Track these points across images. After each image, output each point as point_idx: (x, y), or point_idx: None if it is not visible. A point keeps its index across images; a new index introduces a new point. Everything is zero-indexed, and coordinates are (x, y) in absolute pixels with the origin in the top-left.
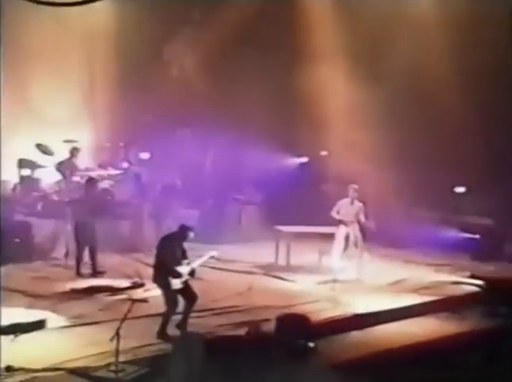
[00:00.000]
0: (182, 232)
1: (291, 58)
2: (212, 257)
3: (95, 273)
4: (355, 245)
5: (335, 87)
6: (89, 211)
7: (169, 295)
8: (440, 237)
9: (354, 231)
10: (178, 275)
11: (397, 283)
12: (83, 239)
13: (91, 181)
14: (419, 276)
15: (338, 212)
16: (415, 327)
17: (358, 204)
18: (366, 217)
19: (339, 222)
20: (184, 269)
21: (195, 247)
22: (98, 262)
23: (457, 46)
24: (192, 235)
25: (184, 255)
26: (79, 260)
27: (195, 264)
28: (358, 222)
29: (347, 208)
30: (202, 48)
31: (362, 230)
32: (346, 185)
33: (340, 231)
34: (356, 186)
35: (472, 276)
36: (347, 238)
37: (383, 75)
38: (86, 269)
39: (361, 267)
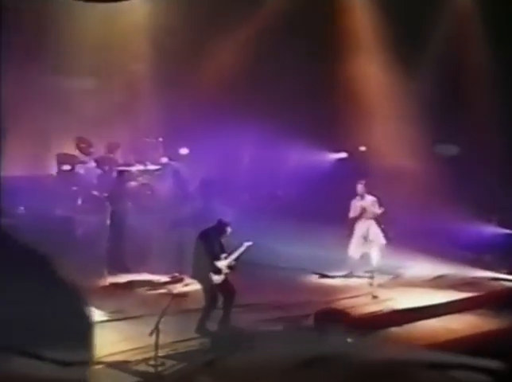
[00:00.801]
0: (220, 228)
1: (329, 49)
2: (248, 248)
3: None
4: (375, 240)
5: (373, 79)
6: (126, 206)
7: (209, 290)
8: (479, 233)
9: (370, 226)
10: (217, 270)
11: (436, 279)
12: (119, 233)
13: (121, 175)
14: (457, 272)
15: (354, 210)
16: (454, 323)
17: (369, 199)
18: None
19: (355, 219)
20: (222, 263)
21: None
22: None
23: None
24: (229, 230)
25: (222, 250)
26: (114, 254)
27: (233, 257)
28: (373, 215)
29: (359, 203)
30: (239, 41)
31: (384, 226)
32: (386, 180)
33: (357, 228)
34: (363, 181)
35: (511, 272)
36: (364, 234)
37: (423, 65)
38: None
39: (380, 260)
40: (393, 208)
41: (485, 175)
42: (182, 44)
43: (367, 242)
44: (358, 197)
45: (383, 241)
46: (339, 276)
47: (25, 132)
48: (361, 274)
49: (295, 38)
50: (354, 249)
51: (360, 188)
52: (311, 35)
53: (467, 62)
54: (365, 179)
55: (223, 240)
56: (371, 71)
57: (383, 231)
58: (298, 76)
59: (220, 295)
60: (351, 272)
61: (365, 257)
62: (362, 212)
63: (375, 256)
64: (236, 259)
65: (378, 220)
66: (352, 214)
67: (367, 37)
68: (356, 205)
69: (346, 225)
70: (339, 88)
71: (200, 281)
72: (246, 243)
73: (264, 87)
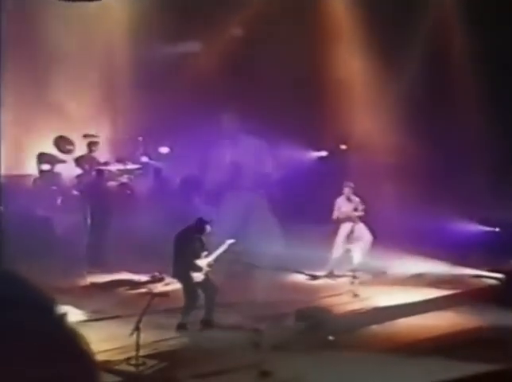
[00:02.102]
0: (199, 226)
1: (310, 45)
2: (230, 246)
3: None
4: (360, 240)
5: (355, 76)
6: (106, 205)
7: (189, 288)
8: (461, 231)
9: (356, 226)
10: (198, 268)
11: (417, 277)
12: (99, 233)
13: (101, 174)
14: (439, 270)
15: (338, 210)
16: (435, 321)
17: (355, 200)
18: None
19: (340, 220)
20: (203, 262)
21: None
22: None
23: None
24: (208, 228)
25: (203, 248)
26: (94, 254)
27: (214, 255)
28: (357, 217)
29: (345, 205)
30: (220, 38)
31: (368, 225)
32: (368, 180)
33: (342, 229)
34: (351, 184)
35: (492, 270)
36: (349, 234)
37: (406, 61)
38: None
39: (360, 260)
40: (375, 206)
41: (468, 173)
42: (163, 41)
43: (351, 242)
44: (343, 198)
45: (370, 237)
46: (321, 276)
47: (5, 131)
48: (343, 273)
49: (275, 34)
50: (338, 249)
51: (347, 190)
52: (293, 29)
53: (454, 54)
54: (352, 182)
55: (204, 239)
56: (354, 67)
57: (369, 229)
58: (280, 75)
59: (202, 294)
60: (332, 271)
61: (348, 256)
62: (347, 213)
63: (358, 255)
64: (218, 257)
65: (363, 219)
66: (336, 214)
67: (351, 31)
68: (341, 206)
69: (327, 224)
70: (321, 86)
71: (181, 280)
72: (228, 241)
73: (245, 85)
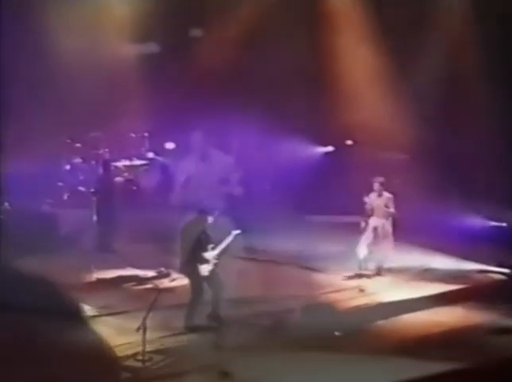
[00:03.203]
0: (202, 217)
1: (317, 38)
2: (237, 236)
3: None
4: (385, 237)
5: (362, 69)
6: (112, 201)
7: (195, 283)
8: (468, 225)
9: (383, 223)
10: (205, 261)
11: (424, 272)
12: (105, 229)
13: (107, 170)
14: (446, 265)
15: (369, 205)
16: (442, 316)
17: (386, 196)
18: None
19: (369, 214)
20: (210, 254)
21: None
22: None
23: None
24: (211, 218)
25: (208, 240)
26: (100, 250)
27: (221, 247)
28: (387, 214)
29: (375, 201)
30: (225, 33)
31: (394, 222)
32: (372, 175)
33: (370, 224)
34: (381, 179)
35: (499, 265)
36: (375, 230)
37: (418, 52)
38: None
39: (387, 258)
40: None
41: (474, 168)
42: (168, 36)
43: (378, 239)
44: (375, 194)
45: (392, 243)
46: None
47: (12, 128)
48: (367, 269)
49: (280, 27)
50: (365, 246)
51: (377, 186)
52: (298, 22)
53: (464, 51)
54: (382, 176)
55: (209, 231)
56: (362, 62)
57: (393, 232)
58: (286, 69)
59: (208, 288)
60: (360, 267)
61: (373, 253)
62: (377, 210)
63: (384, 252)
64: (225, 249)
65: (391, 219)
66: (368, 210)
67: (358, 23)
68: (373, 202)
69: (333, 219)
70: (327, 81)
71: (187, 274)
72: (234, 232)
73: (251, 80)
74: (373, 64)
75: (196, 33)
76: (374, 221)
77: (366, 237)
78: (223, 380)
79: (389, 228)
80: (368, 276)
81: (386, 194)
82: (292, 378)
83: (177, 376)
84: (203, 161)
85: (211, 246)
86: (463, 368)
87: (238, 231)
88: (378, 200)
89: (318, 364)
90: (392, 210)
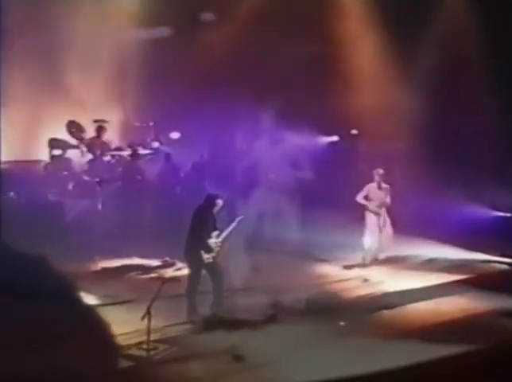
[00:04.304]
0: (210, 202)
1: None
2: (240, 221)
3: None
4: (384, 227)
5: (365, 58)
6: (117, 190)
7: (194, 269)
8: (471, 216)
9: (384, 214)
10: (209, 248)
11: (428, 262)
12: (110, 218)
13: (112, 159)
14: (449, 255)
15: (367, 197)
16: (444, 306)
17: (385, 187)
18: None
19: (370, 207)
20: (213, 241)
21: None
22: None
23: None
24: (220, 202)
25: (214, 227)
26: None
27: (225, 233)
28: (387, 205)
29: (375, 192)
30: (231, 23)
31: (390, 212)
32: (376, 165)
33: (372, 216)
34: (381, 170)
35: (503, 255)
36: (378, 221)
37: (421, 44)
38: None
39: (387, 248)
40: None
41: (478, 158)
42: (173, 26)
43: (380, 229)
44: (375, 185)
45: (391, 231)
46: (354, 264)
47: (16, 117)
48: (371, 260)
49: (285, 18)
50: (371, 237)
51: (377, 177)
52: (301, 14)
53: (467, 42)
54: (382, 167)
55: (217, 216)
56: (366, 52)
57: (397, 222)
58: (291, 59)
59: (209, 277)
60: (365, 259)
61: (377, 244)
62: (380, 201)
63: (387, 243)
64: (229, 234)
65: (388, 209)
66: (364, 201)
67: (364, 15)
68: (372, 193)
69: (336, 210)
70: (331, 70)
71: (190, 259)
72: (238, 218)
73: (255, 70)
74: (377, 53)
75: (206, 17)
76: (376, 212)
77: (370, 227)
78: (235, 363)
79: (387, 218)
80: (372, 266)
81: (384, 185)
82: (299, 363)
83: (182, 365)
84: (275, 144)
85: (215, 233)
86: (475, 350)
87: (241, 217)
88: (378, 191)
89: (326, 351)
90: (388, 200)
